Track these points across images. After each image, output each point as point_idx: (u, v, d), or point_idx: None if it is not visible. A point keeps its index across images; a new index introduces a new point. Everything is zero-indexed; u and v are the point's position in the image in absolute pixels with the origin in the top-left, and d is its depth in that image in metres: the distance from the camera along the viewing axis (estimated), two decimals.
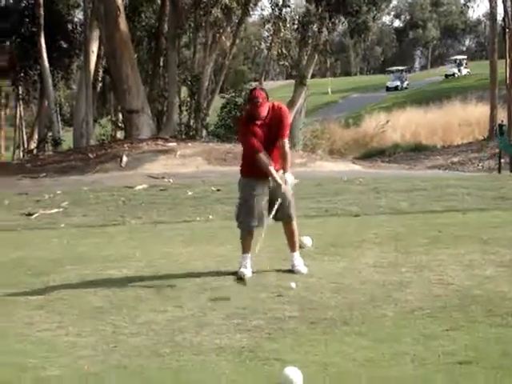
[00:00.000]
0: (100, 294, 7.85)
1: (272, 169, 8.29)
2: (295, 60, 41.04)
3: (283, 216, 8.54)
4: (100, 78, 43.61)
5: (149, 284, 8.20)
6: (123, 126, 37.41)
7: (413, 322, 6.32)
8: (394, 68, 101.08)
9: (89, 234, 13.11)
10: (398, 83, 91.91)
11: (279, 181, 8.28)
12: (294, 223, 8.65)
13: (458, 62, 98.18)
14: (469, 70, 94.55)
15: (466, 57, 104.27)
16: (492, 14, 55.45)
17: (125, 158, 28.43)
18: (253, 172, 8.45)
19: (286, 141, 8.44)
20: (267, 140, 8.34)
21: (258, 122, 8.31)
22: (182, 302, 7.31)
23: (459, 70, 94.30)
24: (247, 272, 8.42)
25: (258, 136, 8.30)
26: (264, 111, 8.27)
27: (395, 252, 9.38)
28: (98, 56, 40.15)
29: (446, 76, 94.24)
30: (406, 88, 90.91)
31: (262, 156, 8.28)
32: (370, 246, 9.96)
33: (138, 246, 11.06)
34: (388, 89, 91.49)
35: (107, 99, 49.94)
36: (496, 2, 53.62)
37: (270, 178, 8.36)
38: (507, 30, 51.09)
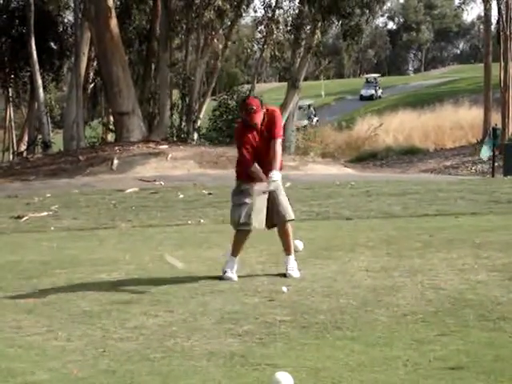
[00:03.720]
0: (89, 298, 7.80)
1: (264, 177, 8.29)
2: (288, 62, 41.05)
3: (279, 220, 8.51)
4: (91, 80, 43.57)
5: (139, 288, 8.14)
6: (114, 128, 37.37)
7: (405, 326, 6.28)
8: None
9: (79, 238, 13.07)
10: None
11: (271, 188, 8.28)
12: (289, 225, 8.60)
13: (372, 81, 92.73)
14: (382, 90, 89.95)
15: (378, 75, 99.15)
16: (486, 17, 55.47)
17: (115, 161, 28.41)
18: (250, 175, 8.44)
19: (279, 140, 8.41)
20: (264, 146, 8.34)
21: (254, 130, 8.29)
22: (172, 307, 7.27)
23: (376, 91, 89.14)
24: (234, 277, 8.40)
25: (253, 144, 8.31)
26: (258, 118, 8.27)
27: (387, 256, 9.36)
28: (89, 58, 40.11)
29: (362, 98, 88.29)
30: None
31: (254, 168, 8.34)
32: (362, 249, 9.94)
33: (128, 250, 11.02)
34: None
35: (98, 101, 49.88)
36: (490, 5, 53.62)
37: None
38: (501, 34, 51.15)
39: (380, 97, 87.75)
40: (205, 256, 10.08)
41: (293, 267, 8.51)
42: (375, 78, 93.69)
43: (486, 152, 34.07)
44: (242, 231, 8.54)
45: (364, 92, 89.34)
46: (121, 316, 7.02)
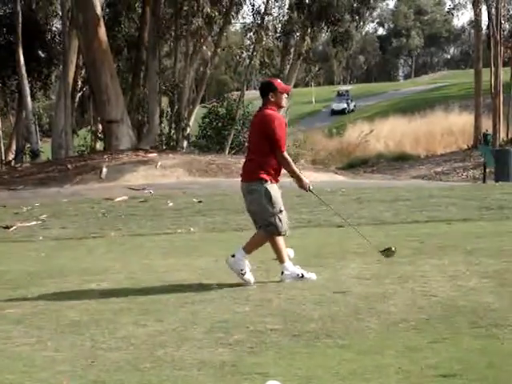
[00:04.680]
0: (79, 308, 7.75)
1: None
2: (277, 69, 41.13)
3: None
4: (79, 88, 43.52)
5: (128, 297, 8.09)
6: (103, 136, 37.33)
7: (396, 334, 6.24)
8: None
9: (67, 247, 13.03)
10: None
11: (305, 180, 8.61)
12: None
13: (343, 94, 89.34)
14: (354, 103, 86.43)
15: (350, 87, 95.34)
16: (476, 22, 55.65)
17: (104, 170, 28.37)
18: (278, 176, 8.51)
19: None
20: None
21: None
22: (162, 316, 7.21)
23: (348, 104, 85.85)
24: (313, 275, 8.48)
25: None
26: None
27: (378, 263, 9.32)
28: (77, 66, 40.11)
29: (333, 112, 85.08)
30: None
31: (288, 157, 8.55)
32: (353, 257, 9.92)
33: (117, 259, 10.98)
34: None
35: (86, 110, 49.85)
36: (480, 10, 53.88)
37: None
38: (492, 39, 51.34)
39: (353, 110, 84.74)
40: (195, 264, 10.04)
41: (287, 272, 8.46)
42: (347, 91, 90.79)
43: (490, 160, 34.08)
44: (278, 236, 8.52)
45: (335, 106, 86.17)
46: (110, 326, 6.97)
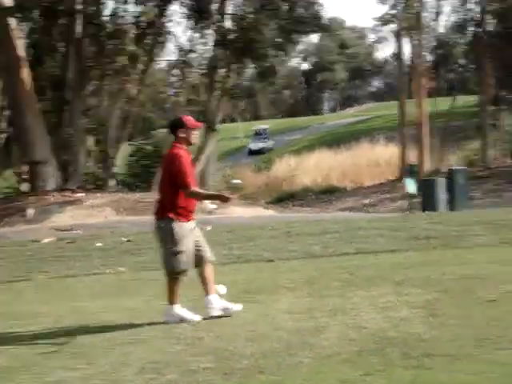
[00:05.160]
0: (7, 354, 7.58)
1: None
2: (204, 105, 41.17)
3: (206, 259, 8.46)
4: (3, 130, 42.90)
5: (58, 341, 7.95)
6: (28, 178, 36.75)
7: (329, 367, 6.23)
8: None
9: None
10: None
11: (222, 194, 8.77)
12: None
13: (261, 133, 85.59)
14: (273, 142, 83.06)
15: (267, 126, 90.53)
16: (399, 55, 56.68)
17: (31, 211, 27.96)
18: (190, 215, 8.43)
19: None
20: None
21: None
22: (92, 358, 7.09)
23: (266, 143, 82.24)
24: (197, 317, 8.38)
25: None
26: None
27: (309, 297, 9.34)
28: (1, 107, 39.53)
29: (251, 152, 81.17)
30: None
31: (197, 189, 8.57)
32: (283, 291, 9.91)
33: (45, 302, 10.79)
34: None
35: (11, 151, 49.09)
36: (402, 43, 54.97)
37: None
38: (414, 70, 52.27)
39: (271, 149, 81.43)
40: (124, 305, 9.91)
41: (213, 306, 8.46)
42: (264, 130, 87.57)
43: (411, 186, 34.54)
44: (178, 277, 8.42)
45: (253, 145, 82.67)
46: (41, 370, 6.82)
